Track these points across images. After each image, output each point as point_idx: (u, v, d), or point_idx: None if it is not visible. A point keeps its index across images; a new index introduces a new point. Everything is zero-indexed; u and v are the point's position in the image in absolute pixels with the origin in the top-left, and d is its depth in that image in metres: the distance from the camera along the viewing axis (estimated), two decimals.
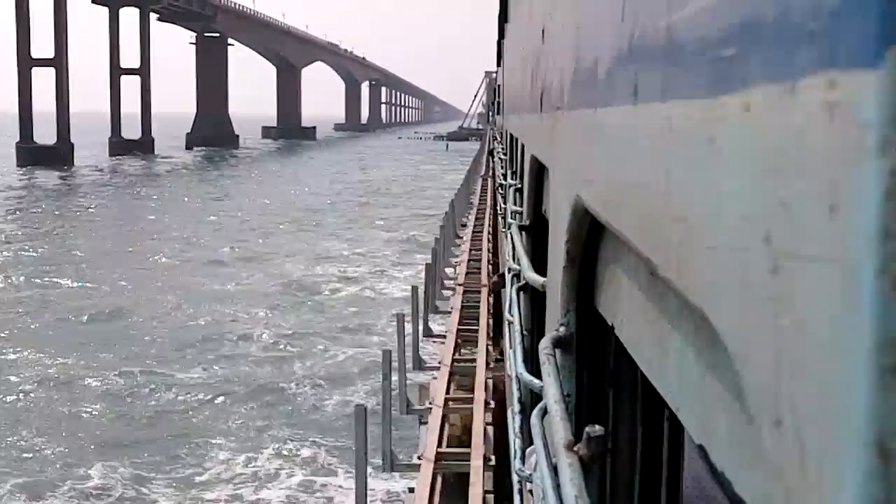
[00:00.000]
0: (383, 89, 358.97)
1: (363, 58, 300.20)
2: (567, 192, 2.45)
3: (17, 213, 58.61)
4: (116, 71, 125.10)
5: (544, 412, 2.10)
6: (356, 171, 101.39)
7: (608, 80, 1.90)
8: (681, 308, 1.25)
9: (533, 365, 2.77)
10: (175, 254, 42.60)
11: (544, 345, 2.35)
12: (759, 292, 0.84)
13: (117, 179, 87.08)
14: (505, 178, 11.18)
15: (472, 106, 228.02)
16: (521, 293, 4.60)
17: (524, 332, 4.39)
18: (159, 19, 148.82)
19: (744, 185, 0.91)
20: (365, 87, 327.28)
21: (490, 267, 21.05)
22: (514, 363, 3.68)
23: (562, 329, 2.43)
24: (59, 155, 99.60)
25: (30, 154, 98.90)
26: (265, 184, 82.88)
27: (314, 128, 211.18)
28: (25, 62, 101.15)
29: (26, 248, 44.12)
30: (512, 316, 4.65)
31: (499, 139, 24.01)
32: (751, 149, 0.89)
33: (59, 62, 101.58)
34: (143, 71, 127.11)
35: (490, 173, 43.67)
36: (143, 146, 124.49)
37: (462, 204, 37.02)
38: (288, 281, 37.18)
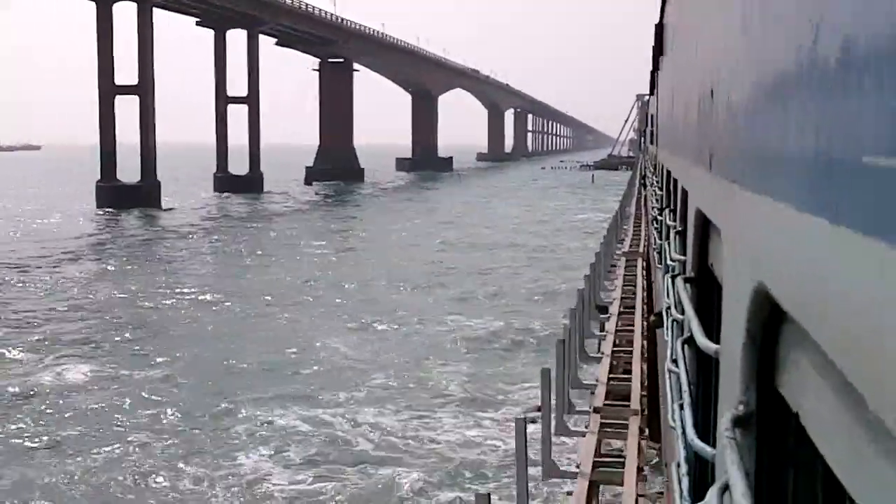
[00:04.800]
0: (529, 117, 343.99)
1: (507, 84, 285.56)
2: (746, 273, 2.47)
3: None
4: (223, 100, 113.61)
5: (724, 489, 2.19)
6: (475, 214, 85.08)
7: (801, 183, 1.77)
8: (885, 435, 1.18)
9: (702, 431, 2.87)
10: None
11: (725, 425, 2.36)
12: None
13: (194, 223, 73.63)
14: (661, 214, 11.50)
15: (622, 132, 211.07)
16: (686, 346, 4.53)
17: (690, 385, 4.43)
18: (277, 44, 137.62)
19: None
20: (509, 115, 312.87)
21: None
22: (685, 425, 3.75)
23: (741, 408, 2.42)
24: (144, 194, 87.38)
25: (110, 194, 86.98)
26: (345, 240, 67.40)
27: (451, 158, 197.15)
28: (108, 91, 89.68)
29: None
30: (677, 368, 4.69)
31: (652, 171, 23.26)
32: None
33: (143, 89, 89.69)
34: (252, 99, 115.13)
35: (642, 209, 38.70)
36: (252, 182, 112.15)
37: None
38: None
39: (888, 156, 1.17)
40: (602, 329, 19.14)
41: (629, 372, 15.24)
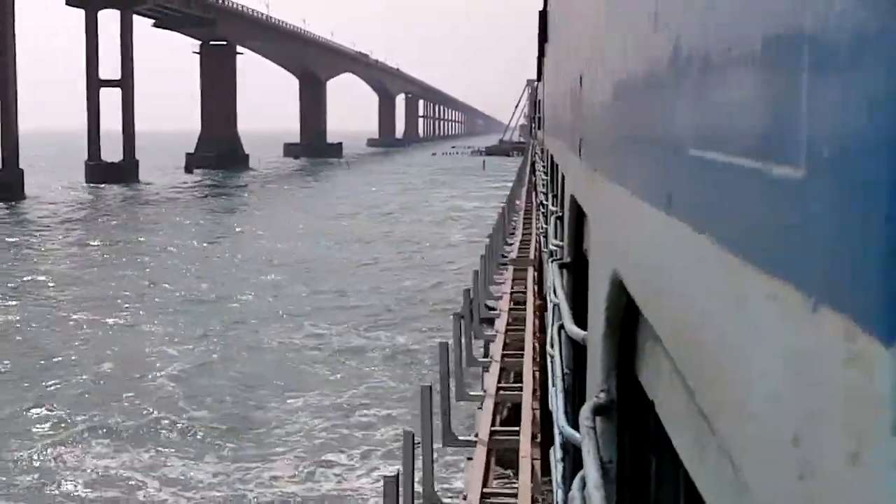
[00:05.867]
0: (421, 102, 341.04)
1: (397, 69, 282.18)
2: (605, 260, 2.51)
3: None
4: (95, 83, 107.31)
5: (584, 483, 2.20)
6: (358, 204, 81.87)
7: (644, 173, 1.84)
8: (715, 430, 1.18)
9: (574, 415, 2.90)
10: None
11: (585, 414, 2.39)
12: (788, 489, 0.81)
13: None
14: (546, 198, 11.78)
15: (513, 118, 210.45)
16: (563, 331, 4.47)
17: (565, 371, 4.44)
18: (155, 25, 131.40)
19: (773, 368, 0.87)
20: (400, 100, 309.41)
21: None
22: (556, 412, 3.76)
23: (602, 396, 2.46)
24: (5, 185, 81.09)
25: None
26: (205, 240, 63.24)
27: (340, 144, 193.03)
28: None
29: None
30: (553, 351, 4.67)
31: (540, 156, 23.23)
32: (780, 338, 0.85)
33: (4, 72, 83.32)
34: (126, 83, 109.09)
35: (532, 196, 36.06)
36: (126, 171, 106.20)
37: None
38: None
39: (709, 150, 1.19)
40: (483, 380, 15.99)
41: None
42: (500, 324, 18.16)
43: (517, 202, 43.98)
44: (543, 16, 13.82)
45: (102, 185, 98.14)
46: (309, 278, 40.41)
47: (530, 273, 21.68)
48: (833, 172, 0.71)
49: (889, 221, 0.59)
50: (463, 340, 15.97)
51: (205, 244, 51.93)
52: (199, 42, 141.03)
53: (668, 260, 1.50)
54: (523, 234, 31.65)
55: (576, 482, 2.29)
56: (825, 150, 0.73)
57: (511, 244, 29.77)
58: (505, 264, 25.70)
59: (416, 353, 27.09)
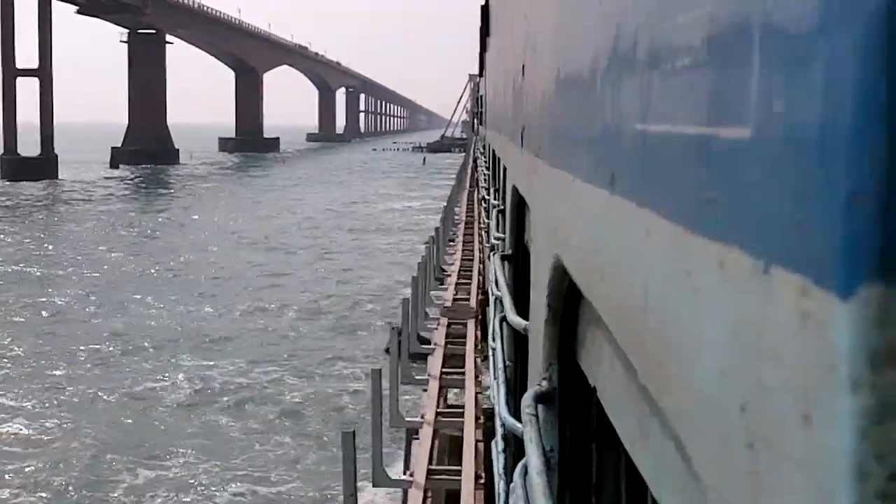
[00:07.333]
0: (362, 97, 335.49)
1: (337, 62, 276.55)
2: (547, 247, 2.51)
3: None
4: (11, 72, 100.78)
5: (526, 470, 2.21)
6: (287, 206, 77.12)
7: (587, 155, 1.84)
8: (660, 408, 1.16)
9: (516, 406, 2.93)
10: None
11: (527, 402, 2.40)
12: (735, 460, 0.79)
13: None
14: (489, 193, 11.88)
15: (454, 113, 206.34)
16: (505, 323, 4.51)
17: (507, 363, 4.45)
18: (79, 12, 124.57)
19: (720, 339, 0.86)
20: (341, 94, 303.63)
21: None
22: (498, 402, 3.76)
23: (544, 384, 2.47)
24: None
25: None
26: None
27: (277, 139, 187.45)
28: None
29: None
30: (495, 344, 4.64)
31: (482, 152, 22.75)
32: (728, 306, 0.83)
33: None
34: (44, 72, 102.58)
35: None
36: (44, 166, 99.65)
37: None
38: None
39: (653, 123, 1.19)
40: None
41: None
42: (439, 336, 16.92)
43: (456, 208, 39.65)
44: (486, 10, 13.54)
45: (4, 182, 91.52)
46: (219, 295, 35.74)
47: (470, 328, 16.99)
48: (782, 130, 0.70)
49: (845, 173, 0.58)
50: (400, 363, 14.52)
51: (104, 254, 46.62)
52: (127, 30, 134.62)
53: (612, 240, 1.47)
54: (463, 261, 25.72)
55: (517, 469, 2.29)
56: (774, 107, 0.72)
57: (448, 274, 24.42)
58: (442, 281, 21.48)
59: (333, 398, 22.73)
